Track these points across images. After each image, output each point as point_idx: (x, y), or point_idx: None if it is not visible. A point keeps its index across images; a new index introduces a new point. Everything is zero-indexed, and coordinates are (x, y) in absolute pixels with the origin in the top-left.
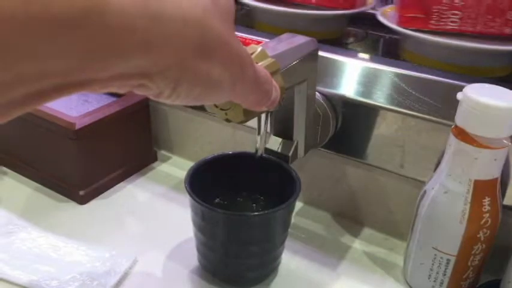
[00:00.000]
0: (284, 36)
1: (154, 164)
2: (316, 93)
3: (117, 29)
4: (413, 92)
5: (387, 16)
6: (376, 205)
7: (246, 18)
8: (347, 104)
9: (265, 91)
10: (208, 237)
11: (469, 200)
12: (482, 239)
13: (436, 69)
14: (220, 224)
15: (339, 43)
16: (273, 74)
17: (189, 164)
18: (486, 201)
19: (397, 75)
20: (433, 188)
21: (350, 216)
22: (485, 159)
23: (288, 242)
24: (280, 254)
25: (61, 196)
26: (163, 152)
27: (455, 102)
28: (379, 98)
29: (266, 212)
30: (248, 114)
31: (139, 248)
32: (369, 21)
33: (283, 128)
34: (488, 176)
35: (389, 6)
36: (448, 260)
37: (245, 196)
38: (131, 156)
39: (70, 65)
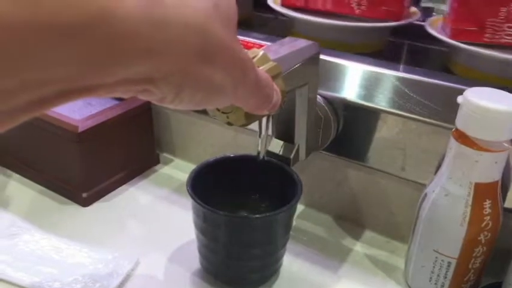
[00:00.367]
0: (286, 40)
1: (157, 167)
2: (318, 96)
3: (121, 36)
4: (414, 96)
5: (435, 27)
6: (378, 208)
7: (281, 28)
8: (348, 107)
9: (266, 95)
10: (210, 240)
11: (469, 202)
12: (483, 241)
13: (488, 82)
14: (222, 226)
15: (383, 56)
16: (274, 77)
17: (191, 167)
18: (487, 204)
19: (398, 78)
20: (433, 191)
21: (351, 219)
22: (486, 162)
23: (290, 245)
24: (282, 256)
25: (64, 198)
26: (165, 154)
27: (456, 106)
28: (380, 101)
29: (268, 214)
30: (249, 118)
31: (142, 250)
32: (409, 31)
33: (284, 130)
34: (488, 179)
35: (436, 17)
36: (449, 263)
37: (247, 198)
38: (134, 159)
39: (74, 71)
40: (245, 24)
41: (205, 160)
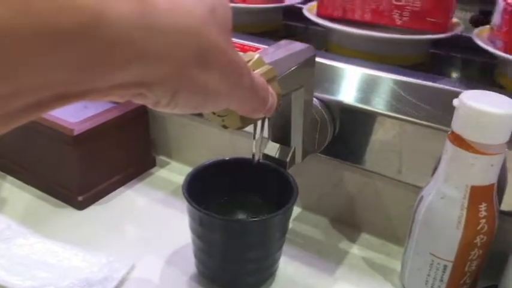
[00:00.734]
0: (282, 42)
1: (153, 170)
2: (314, 99)
3: (114, 41)
4: (411, 99)
5: (483, 39)
6: (374, 210)
7: (313, 39)
8: (345, 109)
9: (262, 98)
10: (205, 243)
11: (465, 205)
12: (479, 244)
13: None
14: (217, 229)
15: (425, 69)
16: (269, 81)
17: (187, 170)
18: (483, 206)
19: (395, 81)
20: (430, 194)
21: (347, 222)
22: (482, 165)
23: (286, 247)
24: (278, 259)
25: (60, 201)
26: (161, 157)
27: (452, 109)
28: (377, 104)
29: (264, 217)
30: (245, 121)
31: (137, 254)
32: (450, 42)
33: (281, 133)
34: (484, 182)
35: (482, 28)
36: (445, 266)
37: (243, 202)
38: (130, 162)
39: (69, 76)
40: (274, 34)
41: (202, 163)
